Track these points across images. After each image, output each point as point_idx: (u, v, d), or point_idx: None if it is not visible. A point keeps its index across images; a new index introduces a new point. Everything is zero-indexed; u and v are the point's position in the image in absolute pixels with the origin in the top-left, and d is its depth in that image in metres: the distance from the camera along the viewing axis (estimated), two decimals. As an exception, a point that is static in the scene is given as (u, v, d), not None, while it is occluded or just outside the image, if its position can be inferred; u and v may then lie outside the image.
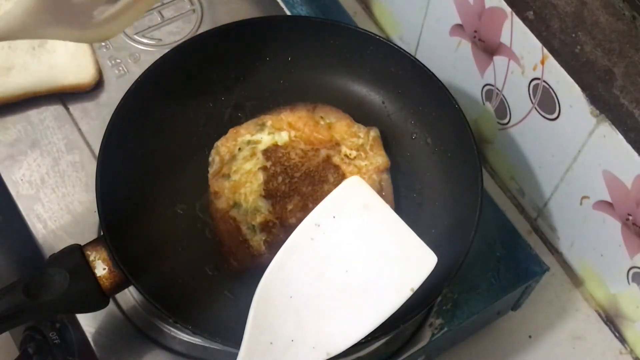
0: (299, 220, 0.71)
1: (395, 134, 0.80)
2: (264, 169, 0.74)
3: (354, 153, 0.76)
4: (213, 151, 0.77)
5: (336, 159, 0.76)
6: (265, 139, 0.76)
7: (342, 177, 0.74)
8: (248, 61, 0.81)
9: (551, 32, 0.73)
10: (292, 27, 0.81)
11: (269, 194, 0.73)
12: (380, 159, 0.76)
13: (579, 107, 0.72)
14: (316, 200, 0.73)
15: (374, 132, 0.77)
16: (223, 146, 0.77)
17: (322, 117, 0.78)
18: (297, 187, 0.74)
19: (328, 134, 0.77)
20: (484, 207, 0.71)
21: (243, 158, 0.75)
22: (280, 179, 0.74)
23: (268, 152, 0.75)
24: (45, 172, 0.79)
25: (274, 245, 0.71)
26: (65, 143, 0.81)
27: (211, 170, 0.76)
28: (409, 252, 0.61)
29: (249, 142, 0.76)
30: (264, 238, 0.72)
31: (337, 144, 0.76)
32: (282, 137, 0.76)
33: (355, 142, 0.77)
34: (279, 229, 0.72)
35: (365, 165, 0.75)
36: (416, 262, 0.60)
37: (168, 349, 0.72)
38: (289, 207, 0.73)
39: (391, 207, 0.74)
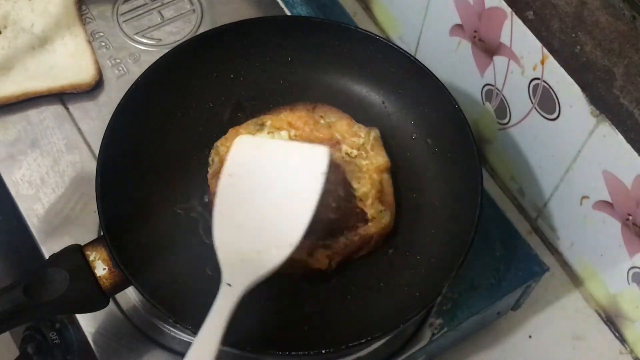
0: None
1: (395, 134, 0.80)
2: None
3: (354, 152, 0.76)
4: (212, 151, 0.77)
5: (337, 157, 0.75)
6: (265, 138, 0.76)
7: (342, 175, 0.74)
8: (248, 61, 0.81)
9: (551, 32, 0.73)
10: (292, 27, 0.81)
11: None
12: (380, 159, 0.76)
13: (579, 107, 0.72)
14: None
15: (374, 133, 0.77)
16: (222, 146, 0.77)
17: (322, 117, 0.78)
18: None
19: (328, 132, 0.77)
20: (484, 207, 0.71)
21: None
22: None
23: None
24: (45, 172, 0.79)
25: None
26: (65, 143, 0.81)
27: (210, 170, 0.76)
28: (306, 155, 0.70)
29: None
30: None
31: (338, 142, 0.76)
32: (282, 136, 0.76)
33: (356, 141, 0.77)
34: None
35: (366, 164, 0.75)
36: (314, 158, 0.70)
37: (168, 349, 0.72)
38: None
39: (391, 207, 0.75)
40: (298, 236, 0.66)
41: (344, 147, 0.76)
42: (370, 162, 0.75)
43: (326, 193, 0.73)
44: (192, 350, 0.59)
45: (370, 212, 0.73)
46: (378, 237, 0.73)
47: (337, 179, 0.74)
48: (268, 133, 0.76)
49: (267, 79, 0.81)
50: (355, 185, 0.74)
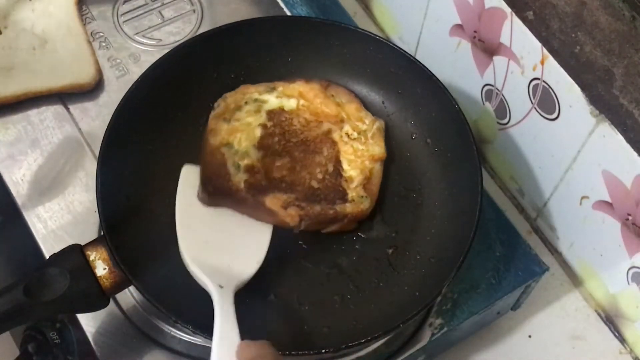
0: (284, 177, 0.74)
1: (395, 134, 0.80)
2: (264, 126, 0.75)
3: (354, 134, 0.77)
4: (220, 99, 0.78)
5: (336, 135, 0.77)
6: (272, 100, 0.78)
7: (336, 153, 0.75)
8: (248, 61, 0.81)
9: (551, 32, 0.73)
10: (292, 27, 0.81)
11: (262, 148, 0.75)
12: (377, 149, 0.76)
13: (579, 107, 0.72)
14: (305, 167, 0.74)
15: (379, 123, 0.78)
16: (230, 97, 0.78)
17: (333, 95, 0.78)
18: (290, 150, 0.75)
19: (336, 109, 0.78)
20: (483, 207, 0.71)
21: (247, 112, 0.77)
22: (276, 139, 0.75)
23: (272, 113, 0.77)
24: (46, 172, 0.79)
25: (253, 187, 0.73)
26: (65, 143, 0.81)
27: (214, 112, 0.77)
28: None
29: (256, 100, 0.77)
30: (245, 178, 0.73)
31: (342, 121, 0.77)
32: (290, 103, 0.77)
33: (359, 126, 0.77)
34: (262, 176, 0.73)
35: (362, 149, 0.76)
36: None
37: (168, 349, 0.72)
38: (278, 163, 0.74)
39: (374, 196, 0.76)
40: (262, 255, 0.71)
41: (346, 128, 0.77)
42: (366, 149, 0.76)
43: (315, 164, 0.74)
44: (215, 352, 0.60)
45: (351, 194, 0.74)
46: (352, 218, 0.74)
47: (330, 155, 0.75)
48: (277, 97, 0.78)
49: (267, 79, 0.81)
50: (345, 166, 0.75)
